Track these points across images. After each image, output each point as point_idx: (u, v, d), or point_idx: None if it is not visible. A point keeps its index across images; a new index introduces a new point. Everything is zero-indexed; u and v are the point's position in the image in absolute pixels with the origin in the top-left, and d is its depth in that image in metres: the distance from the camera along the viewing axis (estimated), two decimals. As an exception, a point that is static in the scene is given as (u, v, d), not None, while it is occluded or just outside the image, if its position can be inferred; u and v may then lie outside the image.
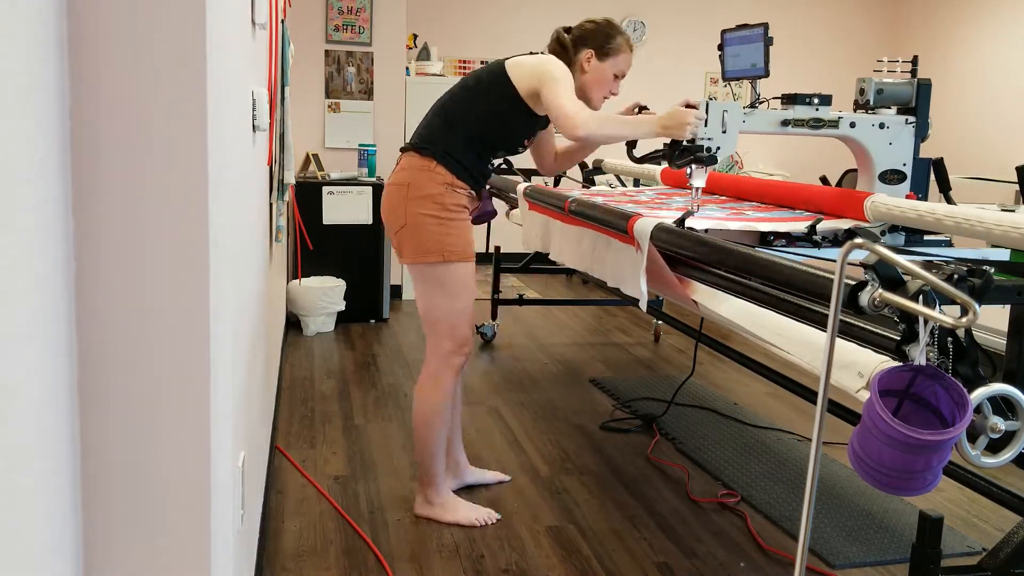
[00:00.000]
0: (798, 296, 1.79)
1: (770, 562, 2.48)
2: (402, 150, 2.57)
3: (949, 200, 2.61)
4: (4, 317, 0.73)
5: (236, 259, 1.50)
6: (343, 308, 4.98)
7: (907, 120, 2.62)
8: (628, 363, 4.52)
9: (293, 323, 4.97)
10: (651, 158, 2.55)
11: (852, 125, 2.60)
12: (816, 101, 2.57)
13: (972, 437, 1.40)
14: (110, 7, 0.98)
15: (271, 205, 2.95)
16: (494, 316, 4.92)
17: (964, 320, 1.18)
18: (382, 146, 5.63)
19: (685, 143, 2.35)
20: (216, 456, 1.13)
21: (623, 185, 4.26)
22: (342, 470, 3.00)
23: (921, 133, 2.63)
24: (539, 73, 2.46)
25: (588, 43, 2.59)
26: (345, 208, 5.06)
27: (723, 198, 3.24)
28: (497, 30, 7.31)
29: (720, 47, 2.69)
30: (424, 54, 5.84)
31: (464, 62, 7.27)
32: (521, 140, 2.64)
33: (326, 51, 5.51)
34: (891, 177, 2.65)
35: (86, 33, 0.98)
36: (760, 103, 2.59)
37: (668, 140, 2.40)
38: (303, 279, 4.98)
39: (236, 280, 1.50)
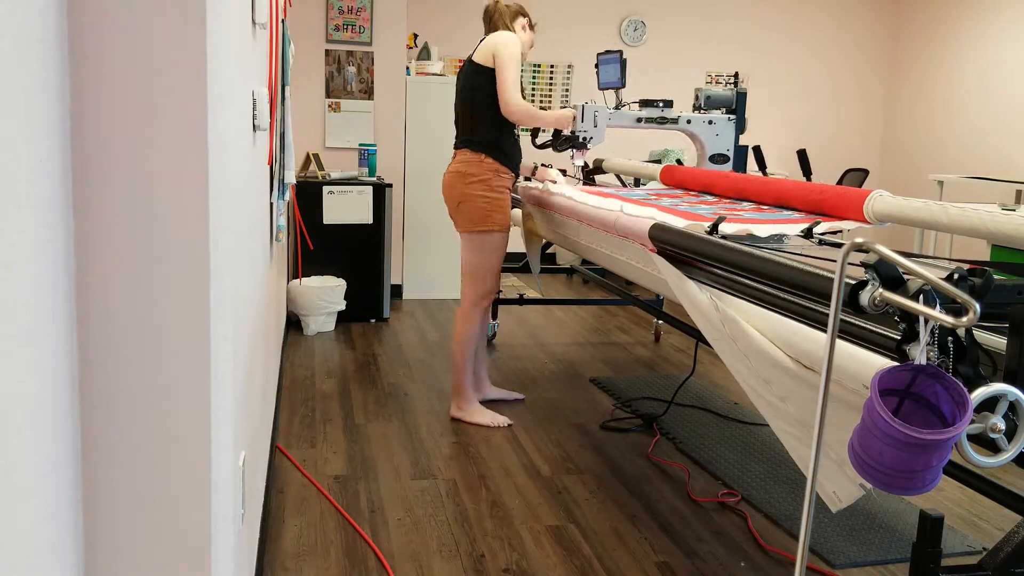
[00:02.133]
0: (799, 296, 1.79)
1: (771, 561, 2.48)
2: (457, 147, 3.42)
3: (765, 175, 3.77)
4: (4, 317, 0.73)
5: (236, 259, 1.50)
6: (343, 308, 4.98)
7: (729, 118, 3.64)
8: (628, 363, 4.52)
9: (293, 323, 4.97)
10: (545, 145, 3.63)
11: (688, 122, 3.65)
12: (661, 105, 3.63)
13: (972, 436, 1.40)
14: (110, 7, 0.98)
15: (271, 204, 2.95)
16: (494, 316, 4.92)
17: (964, 320, 1.18)
18: (382, 145, 5.63)
19: (565, 134, 3.47)
20: (217, 455, 1.13)
21: (623, 184, 4.27)
22: (342, 469, 3.00)
23: (739, 128, 3.64)
24: (496, 50, 3.29)
25: (523, 13, 3.50)
26: (345, 208, 5.06)
27: (715, 199, 3.24)
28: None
29: (596, 66, 3.75)
30: (424, 54, 5.83)
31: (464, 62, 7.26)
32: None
33: (326, 51, 5.50)
34: (718, 159, 3.65)
35: (86, 33, 0.98)
36: (623, 106, 3.63)
37: (555, 131, 3.49)
38: (303, 279, 4.98)
39: (236, 280, 1.50)
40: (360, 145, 5.43)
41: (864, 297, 1.41)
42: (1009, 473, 3.09)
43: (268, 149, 2.60)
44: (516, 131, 3.41)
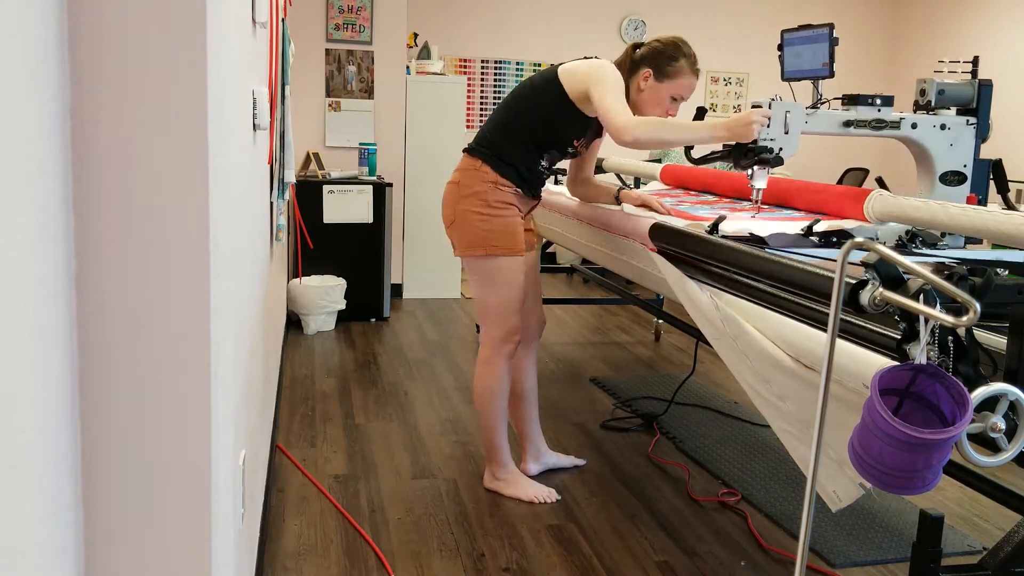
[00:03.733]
0: (800, 295, 1.79)
1: (771, 561, 2.48)
2: (462, 152, 2.76)
3: (1007, 202, 2.59)
4: (4, 317, 0.73)
5: (236, 258, 1.50)
6: (343, 307, 4.98)
7: (968, 121, 2.58)
8: (629, 362, 4.52)
9: (294, 322, 4.97)
10: (709, 159, 2.55)
11: (914, 126, 2.55)
12: (879, 102, 2.53)
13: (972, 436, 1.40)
14: (110, 7, 0.98)
15: (271, 204, 2.95)
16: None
17: (965, 319, 1.18)
18: (382, 145, 5.63)
19: (749, 145, 2.35)
20: (217, 455, 1.13)
21: (624, 184, 4.26)
22: (343, 469, 3.00)
23: (982, 134, 2.60)
24: (589, 76, 2.55)
25: (648, 62, 2.63)
26: (345, 207, 5.06)
27: (715, 198, 3.24)
28: (498, 29, 7.31)
29: (780, 47, 2.66)
30: (425, 53, 5.83)
31: (465, 61, 7.26)
32: (570, 140, 2.73)
33: (327, 50, 5.50)
34: (951, 179, 2.60)
35: (86, 33, 0.98)
36: (821, 103, 2.53)
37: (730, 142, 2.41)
38: (303, 278, 4.98)
39: (236, 279, 1.50)
40: (360, 144, 5.43)
41: (864, 297, 1.41)
42: (1009, 473, 3.09)
43: (268, 148, 2.60)
44: (545, 163, 2.75)
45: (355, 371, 4.15)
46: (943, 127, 2.56)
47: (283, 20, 3.23)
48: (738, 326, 2.07)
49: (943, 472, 1.59)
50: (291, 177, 3.14)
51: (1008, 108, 6.97)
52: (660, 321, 5.00)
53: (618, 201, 2.89)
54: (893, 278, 1.41)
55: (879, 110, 2.52)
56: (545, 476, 2.99)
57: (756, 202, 2.51)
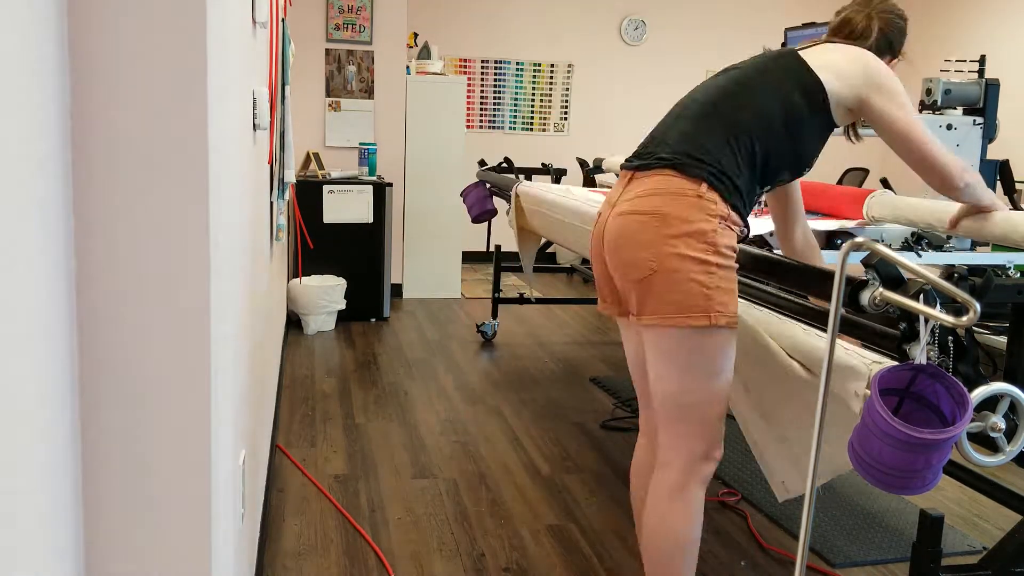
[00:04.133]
0: (800, 295, 1.79)
1: (771, 561, 2.48)
2: (637, 168, 1.81)
3: (1014, 203, 2.52)
4: (4, 317, 0.73)
5: (236, 258, 1.50)
6: (343, 307, 4.98)
7: (975, 121, 2.52)
8: (629, 362, 4.52)
9: (294, 322, 4.97)
10: None
11: None
12: None
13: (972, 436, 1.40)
14: (110, 7, 0.98)
15: (272, 204, 2.95)
16: (495, 315, 4.92)
17: (965, 319, 1.18)
18: (382, 145, 5.64)
19: None
20: (217, 455, 1.13)
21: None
22: (343, 469, 3.00)
23: (989, 134, 2.54)
24: (869, 75, 1.85)
25: (896, 44, 2.01)
26: (345, 207, 5.06)
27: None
28: (498, 29, 7.31)
29: (783, 45, 2.52)
30: (425, 53, 5.83)
31: (465, 61, 7.26)
32: (809, 161, 1.92)
33: (327, 50, 5.50)
34: None
35: (86, 32, 0.98)
36: None
37: None
38: (304, 278, 4.98)
39: (236, 279, 1.50)
40: (360, 144, 5.43)
41: (864, 296, 1.41)
42: (1009, 473, 3.09)
43: (268, 148, 2.60)
44: (773, 181, 1.88)
45: (355, 371, 4.15)
46: (949, 127, 2.50)
47: (283, 20, 3.23)
48: None
49: (943, 472, 1.59)
50: (291, 177, 3.14)
51: (1009, 107, 6.97)
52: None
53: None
54: (893, 278, 1.41)
55: None
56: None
57: (761, 203, 2.37)
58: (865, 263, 1.43)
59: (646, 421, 2.01)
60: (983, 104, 2.52)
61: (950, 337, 1.39)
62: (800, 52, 1.88)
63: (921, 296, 1.36)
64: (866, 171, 6.96)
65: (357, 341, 4.71)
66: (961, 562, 2.48)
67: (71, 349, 0.98)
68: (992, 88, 2.52)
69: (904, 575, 2.42)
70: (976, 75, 2.52)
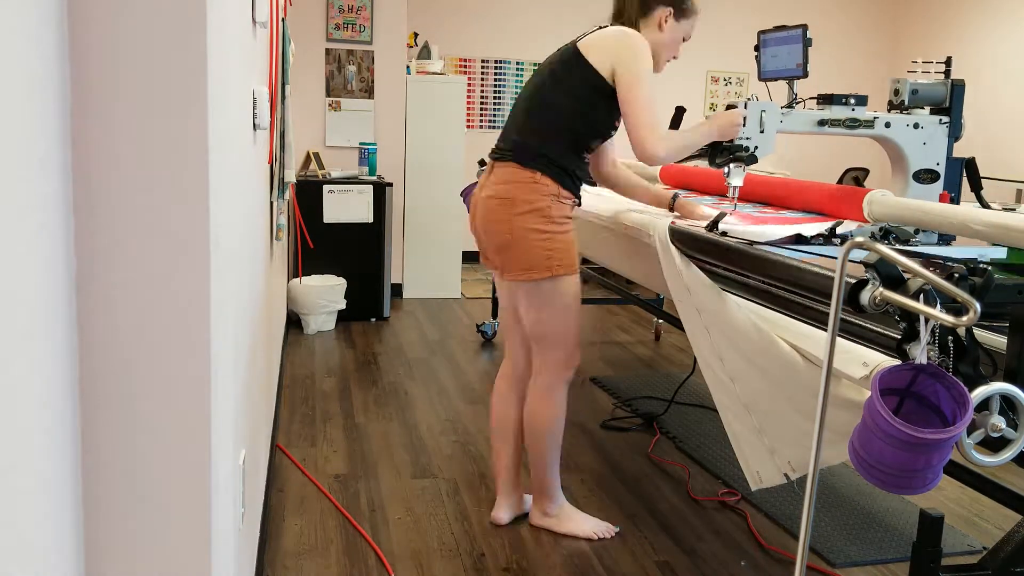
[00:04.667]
0: (800, 295, 1.79)
1: (771, 561, 2.48)
2: (496, 159, 2.44)
3: (981, 200, 2.61)
4: (4, 317, 0.73)
5: (237, 258, 1.50)
6: (344, 306, 4.98)
7: (941, 120, 2.62)
8: (629, 361, 4.52)
9: (294, 321, 4.97)
10: (689, 158, 2.61)
11: (887, 125, 2.59)
12: (852, 101, 2.56)
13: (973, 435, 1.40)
14: (110, 7, 0.98)
15: (272, 203, 2.95)
16: (495, 315, 4.92)
17: (965, 319, 1.18)
18: (383, 144, 5.63)
19: (724, 144, 2.42)
20: (217, 454, 1.13)
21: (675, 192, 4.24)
22: (343, 468, 3.00)
23: (955, 133, 2.63)
24: (618, 52, 2.35)
25: (667, 1, 2.46)
26: (346, 207, 5.06)
27: (715, 198, 3.24)
28: (498, 29, 7.31)
29: (756, 48, 2.70)
30: (425, 53, 5.83)
31: (465, 61, 7.26)
32: (613, 123, 2.48)
33: (327, 49, 5.50)
34: (924, 177, 2.63)
35: (86, 32, 0.98)
36: (796, 103, 2.57)
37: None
38: (304, 277, 4.98)
39: (237, 279, 1.50)
40: (360, 144, 5.43)
41: (864, 296, 1.41)
42: (1009, 472, 3.09)
43: (268, 148, 2.60)
44: (588, 151, 2.50)
45: (355, 371, 4.15)
46: (916, 126, 2.60)
47: (283, 20, 3.23)
48: (706, 297, 2.11)
49: (943, 472, 1.59)
50: (291, 177, 3.14)
51: (1009, 107, 6.97)
52: (660, 321, 5.00)
53: (671, 209, 2.63)
54: (893, 278, 1.41)
55: (853, 109, 2.56)
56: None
57: (733, 200, 2.53)
58: (865, 262, 1.42)
59: (510, 354, 2.66)
60: (949, 104, 2.61)
61: (950, 337, 1.39)
62: (578, 43, 2.42)
63: (921, 296, 1.36)
64: (866, 171, 6.95)
65: (357, 341, 4.72)
66: (961, 562, 2.48)
67: (71, 349, 0.98)
68: (958, 88, 2.60)
69: (904, 575, 2.42)
70: (943, 76, 2.65)
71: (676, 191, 2.79)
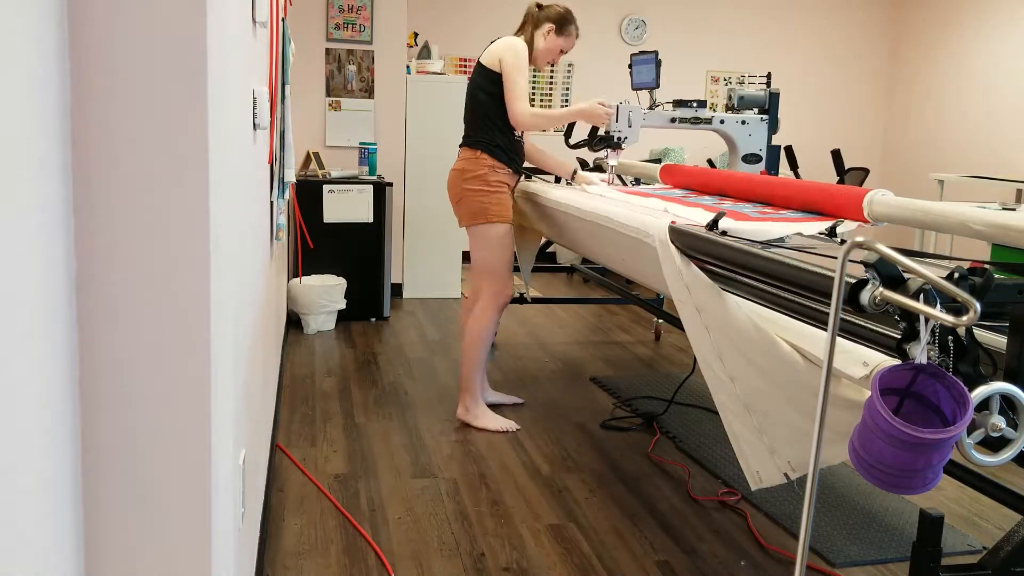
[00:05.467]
0: (800, 294, 1.79)
1: (771, 560, 2.48)
2: (460, 146, 3.44)
3: (797, 177, 3.62)
4: (4, 316, 0.73)
5: (237, 258, 1.50)
6: (344, 306, 4.98)
7: (762, 118, 3.62)
8: (629, 361, 4.52)
9: (294, 321, 4.97)
10: (580, 145, 3.58)
11: (722, 122, 3.59)
12: (695, 105, 3.57)
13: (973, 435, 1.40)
14: (110, 7, 0.98)
15: (272, 203, 2.95)
16: (495, 314, 4.92)
17: (965, 319, 1.18)
18: (383, 144, 5.63)
19: (600, 134, 3.36)
20: (217, 454, 1.13)
21: (623, 183, 4.26)
22: (343, 468, 3.00)
23: (772, 128, 3.62)
24: (503, 57, 3.31)
25: (551, 20, 3.44)
26: (346, 206, 5.06)
27: (715, 198, 3.24)
28: (498, 28, 7.30)
29: (630, 66, 3.73)
30: (425, 52, 5.83)
31: (465, 60, 7.26)
32: None
33: (327, 49, 5.50)
34: (751, 159, 3.62)
35: (86, 32, 0.98)
36: (656, 106, 3.56)
37: (591, 130, 3.40)
38: (304, 277, 4.98)
39: (237, 278, 1.50)
40: (360, 144, 5.43)
41: (864, 296, 1.41)
42: (1009, 472, 3.09)
43: (268, 148, 2.60)
44: (518, 133, 3.41)
45: (355, 371, 4.15)
46: (743, 123, 3.61)
47: (283, 20, 3.23)
48: (706, 297, 2.11)
49: (943, 472, 1.59)
50: (291, 177, 3.14)
51: (1009, 107, 6.97)
52: (660, 321, 5.00)
53: (571, 179, 3.56)
54: (893, 277, 1.41)
55: (696, 111, 3.56)
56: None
57: (610, 178, 3.50)
58: (865, 262, 1.43)
59: (472, 287, 3.50)
60: (768, 107, 3.65)
61: (950, 337, 1.39)
62: (480, 57, 3.39)
63: (921, 296, 1.36)
64: (866, 170, 6.96)
65: (357, 341, 4.71)
66: (961, 562, 2.48)
67: (71, 349, 0.98)
68: (774, 96, 3.65)
69: (904, 575, 2.42)
70: (765, 87, 3.70)
71: (576, 167, 3.70)
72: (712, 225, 2.18)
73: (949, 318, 1.20)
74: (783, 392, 1.95)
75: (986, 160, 7.15)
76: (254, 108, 2.00)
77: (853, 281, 1.42)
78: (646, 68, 3.62)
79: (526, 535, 2.57)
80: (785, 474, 2.06)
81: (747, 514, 2.75)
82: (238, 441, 1.51)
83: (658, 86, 3.55)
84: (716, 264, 2.09)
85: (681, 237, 2.25)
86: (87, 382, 1.03)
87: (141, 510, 1.08)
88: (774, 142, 3.65)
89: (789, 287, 1.75)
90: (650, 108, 3.50)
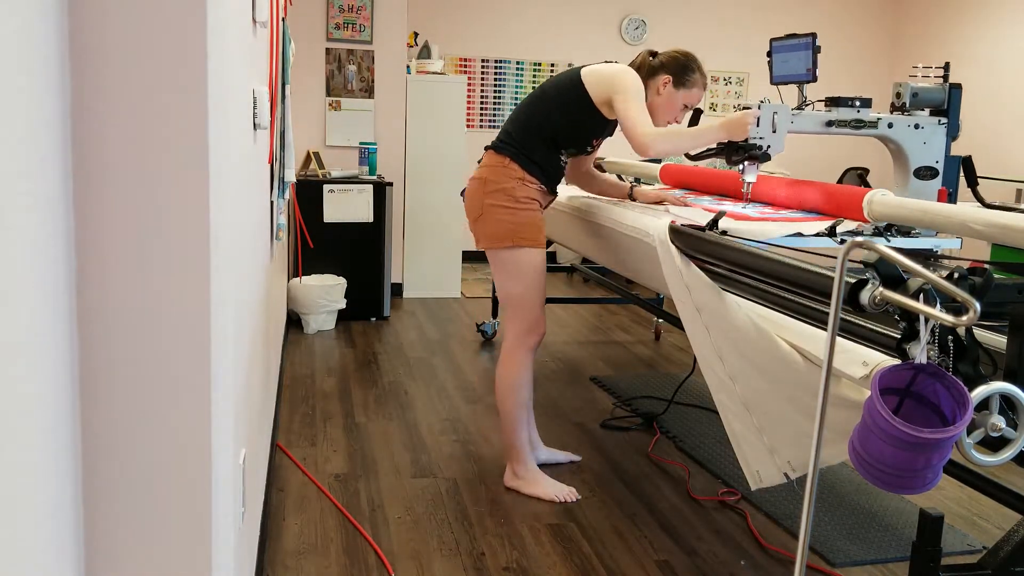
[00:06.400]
0: (800, 294, 1.79)
1: (771, 560, 2.48)
2: (485, 149, 2.86)
3: (977, 195, 2.81)
4: (4, 316, 0.73)
5: (237, 257, 1.50)
6: (344, 306, 4.98)
7: (939, 121, 2.80)
8: (629, 361, 4.52)
9: (294, 321, 4.97)
10: (704, 156, 2.79)
11: (890, 126, 2.76)
12: (858, 104, 2.74)
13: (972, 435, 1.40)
14: (110, 7, 0.98)
15: (272, 203, 2.95)
16: (495, 314, 4.92)
17: (965, 318, 1.18)
18: (383, 144, 5.63)
19: (739, 143, 2.62)
20: (217, 454, 1.13)
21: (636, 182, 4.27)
22: (343, 468, 3.00)
23: (952, 133, 2.81)
24: (614, 83, 2.68)
25: (669, 70, 2.79)
26: (346, 206, 5.06)
27: (718, 198, 3.24)
28: (498, 29, 7.31)
29: (769, 54, 2.92)
30: (425, 52, 5.83)
31: (465, 60, 7.26)
32: (591, 140, 2.90)
33: (327, 49, 5.50)
34: (924, 173, 2.81)
35: (87, 32, 0.98)
36: (806, 105, 2.76)
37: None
38: (304, 277, 4.98)
39: (237, 278, 1.50)
40: (360, 144, 5.43)
41: (864, 296, 1.41)
42: (1009, 472, 3.09)
43: (268, 148, 2.60)
44: (564, 158, 2.87)
45: (355, 370, 4.15)
46: (916, 127, 2.79)
47: (283, 19, 3.23)
48: (706, 297, 2.12)
49: (943, 472, 1.59)
50: (291, 176, 3.14)
51: (1009, 107, 6.96)
52: (660, 320, 5.00)
53: (632, 198, 3.05)
54: (893, 277, 1.41)
55: (858, 111, 2.74)
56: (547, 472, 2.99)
57: (746, 195, 2.79)
58: (865, 262, 1.43)
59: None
60: (947, 106, 2.82)
61: (950, 336, 1.39)
62: (582, 69, 2.77)
63: (921, 296, 1.36)
64: (866, 170, 6.95)
65: (357, 340, 4.72)
66: (961, 562, 2.48)
67: (71, 349, 0.98)
68: (955, 92, 2.82)
69: (904, 575, 2.42)
70: (941, 80, 2.87)
71: (633, 183, 3.22)
72: (712, 225, 2.18)
73: (949, 318, 1.20)
74: (783, 392, 1.95)
75: (986, 160, 7.15)
76: (254, 108, 2.00)
77: (853, 281, 1.42)
78: (795, 56, 2.79)
79: (526, 534, 2.57)
80: (785, 474, 2.06)
81: (747, 514, 2.75)
82: (238, 441, 1.51)
83: (814, 79, 2.73)
84: (716, 264, 2.09)
85: (681, 237, 2.25)
86: (87, 382, 1.03)
87: (141, 510, 1.08)
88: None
89: (789, 287, 1.75)
90: (799, 108, 2.73)
